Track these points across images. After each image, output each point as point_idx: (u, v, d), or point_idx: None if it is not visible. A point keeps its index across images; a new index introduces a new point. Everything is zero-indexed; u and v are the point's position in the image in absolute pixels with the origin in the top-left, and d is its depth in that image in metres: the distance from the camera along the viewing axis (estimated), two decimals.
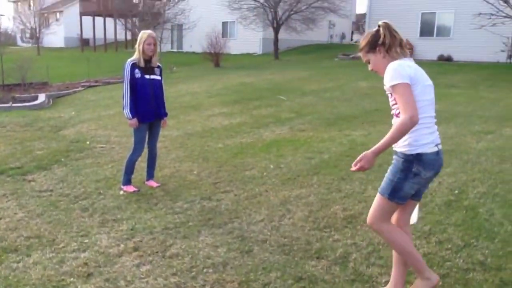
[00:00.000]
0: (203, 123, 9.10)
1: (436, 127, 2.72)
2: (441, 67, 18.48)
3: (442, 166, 2.75)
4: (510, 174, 5.37)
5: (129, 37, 35.51)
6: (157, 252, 3.66)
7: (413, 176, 2.65)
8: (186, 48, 34.75)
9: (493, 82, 13.95)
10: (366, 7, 26.73)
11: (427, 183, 2.81)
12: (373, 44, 2.76)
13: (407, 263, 2.91)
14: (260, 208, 4.55)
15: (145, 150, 5.29)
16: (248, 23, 27.36)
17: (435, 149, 2.67)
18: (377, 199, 2.80)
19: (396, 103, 2.64)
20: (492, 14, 14.45)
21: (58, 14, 47.36)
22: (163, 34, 29.54)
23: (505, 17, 14.63)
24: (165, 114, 5.33)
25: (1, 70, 14.40)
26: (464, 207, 4.41)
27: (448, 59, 22.58)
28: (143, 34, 4.94)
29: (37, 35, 36.99)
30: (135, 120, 5.04)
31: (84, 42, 39.63)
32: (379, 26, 2.75)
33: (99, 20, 38.05)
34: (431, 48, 23.06)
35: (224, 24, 33.12)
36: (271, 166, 5.97)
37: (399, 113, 2.60)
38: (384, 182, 2.76)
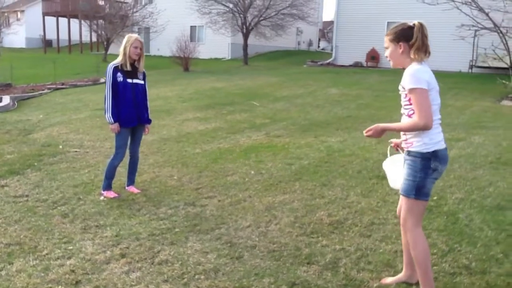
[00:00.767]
0: (178, 128, 9.01)
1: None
2: None
3: None
4: (484, 180, 5.55)
5: (94, 39, 34.77)
6: (145, 258, 3.59)
7: (432, 172, 2.85)
8: (153, 51, 34.33)
9: (458, 91, 14.41)
10: (334, 14, 27.19)
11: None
12: (399, 38, 2.84)
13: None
14: (246, 214, 4.54)
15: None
16: (217, 27, 27.29)
17: (445, 145, 2.92)
18: (405, 203, 2.95)
19: (409, 104, 2.81)
20: (461, 25, 14.99)
21: (19, 13, 45.90)
22: None
23: (473, 27, 15.18)
24: (149, 121, 5.21)
25: None
26: (445, 213, 4.53)
27: None
28: (130, 37, 4.84)
29: None
30: (116, 125, 4.94)
31: (47, 43, 38.58)
32: (414, 24, 2.80)
33: (63, 20, 37.11)
34: None
35: (193, 28, 32.93)
36: (252, 172, 5.96)
37: (412, 114, 2.78)
38: (405, 185, 2.91)
